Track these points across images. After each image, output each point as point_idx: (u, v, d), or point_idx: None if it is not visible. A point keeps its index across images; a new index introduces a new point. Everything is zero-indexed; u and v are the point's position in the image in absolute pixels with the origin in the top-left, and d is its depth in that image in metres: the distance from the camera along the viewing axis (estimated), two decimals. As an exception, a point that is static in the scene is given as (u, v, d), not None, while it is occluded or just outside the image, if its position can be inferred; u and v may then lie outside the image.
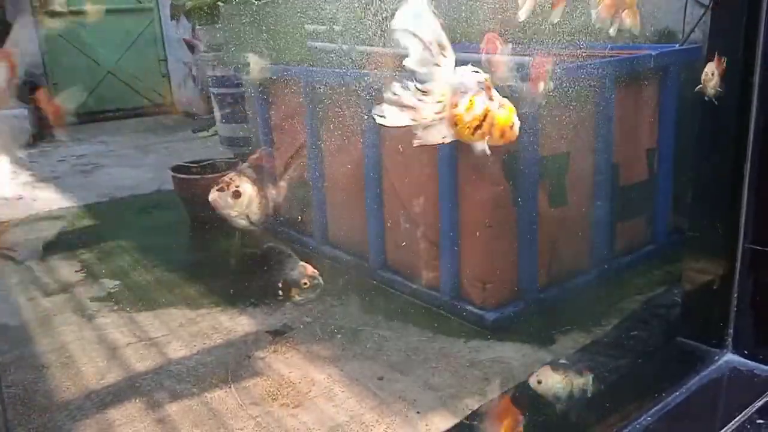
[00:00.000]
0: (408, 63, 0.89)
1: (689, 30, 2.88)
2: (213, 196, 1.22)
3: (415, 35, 0.88)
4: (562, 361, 1.85)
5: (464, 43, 2.61)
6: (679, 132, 2.84)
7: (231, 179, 1.24)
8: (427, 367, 2.25)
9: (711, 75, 1.79)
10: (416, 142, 0.96)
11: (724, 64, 1.79)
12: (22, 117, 6.38)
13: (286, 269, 1.36)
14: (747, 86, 1.88)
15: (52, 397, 2.16)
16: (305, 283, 1.34)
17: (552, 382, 1.65)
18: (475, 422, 1.86)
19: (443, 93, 0.92)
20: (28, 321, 2.72)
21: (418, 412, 2.00)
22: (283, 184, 1.33)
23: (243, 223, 1.26)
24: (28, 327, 2.67)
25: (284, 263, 1.37)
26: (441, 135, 0.96)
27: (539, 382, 1.67)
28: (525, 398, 1.80)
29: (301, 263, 1.36)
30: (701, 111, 1.98)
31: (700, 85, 1.83)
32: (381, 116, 0.93)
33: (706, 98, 1.84)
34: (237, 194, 1.22)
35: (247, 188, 1.24)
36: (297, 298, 1.36)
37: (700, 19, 2.81)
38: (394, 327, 2.53)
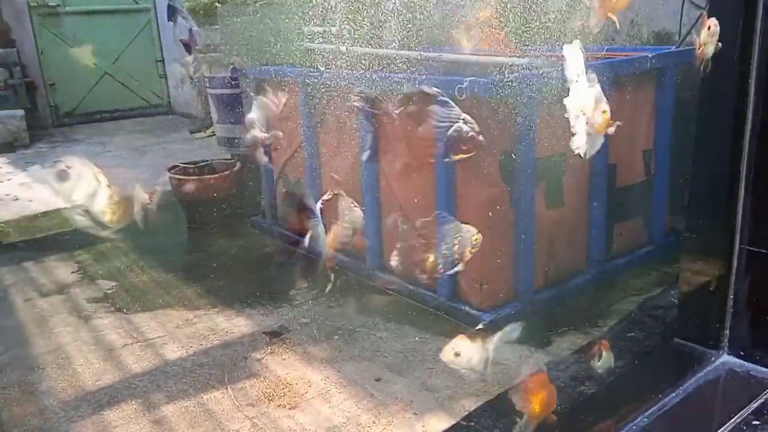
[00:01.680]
0: (572, 102, 1.06)
1: (686, 32, 2.89)
2: (34, 171, 0.96)
3: (577, 76, 1.06)
4: (479, 327, 1.75)
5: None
6: (676, 133, 2.85)
7: (67, 158, 0.94)
8: (424, 368, 2.25)
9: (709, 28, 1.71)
10: (587, 156, 1.15)
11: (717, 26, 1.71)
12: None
13: (455, 233, 1.33)
14: (744, 88, 1.88)
15: (48, 398, 2.16)
16: (475, 239, 1.31)
17: (472, 351, 1.48)
18: (508, 397, 1.80)
19: (595, 106, 1.14)
20: (24, 322, 2.72)
21: (415, 414, 2.00)
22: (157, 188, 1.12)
23: (82, 221, 0.99)
24: (25, 328, 2.66)
25: (453, 230, 1.34)
26: (599, 142, 1.19)
27: (457, 355, 1.49)
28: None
29: (461, 224, 1.33)
30: (698, 112, 1.99)
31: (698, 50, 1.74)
32: (580, 149, 1.12)
33: (701, 69, 1.75)
34: (63, 175, 0.92)
35: (87, 174, 0.94)
36: (468, 256, 1.32)
37: (697, 21, 2.81)
38: (391, 328, 2.53)
